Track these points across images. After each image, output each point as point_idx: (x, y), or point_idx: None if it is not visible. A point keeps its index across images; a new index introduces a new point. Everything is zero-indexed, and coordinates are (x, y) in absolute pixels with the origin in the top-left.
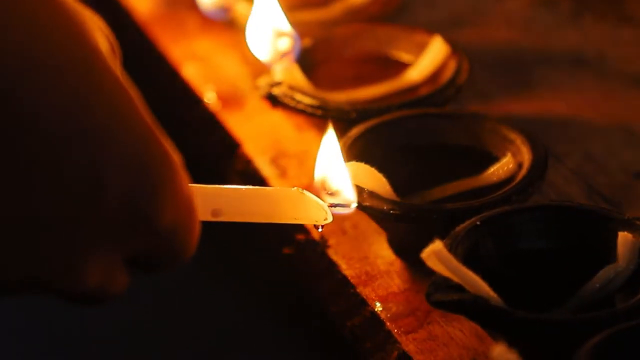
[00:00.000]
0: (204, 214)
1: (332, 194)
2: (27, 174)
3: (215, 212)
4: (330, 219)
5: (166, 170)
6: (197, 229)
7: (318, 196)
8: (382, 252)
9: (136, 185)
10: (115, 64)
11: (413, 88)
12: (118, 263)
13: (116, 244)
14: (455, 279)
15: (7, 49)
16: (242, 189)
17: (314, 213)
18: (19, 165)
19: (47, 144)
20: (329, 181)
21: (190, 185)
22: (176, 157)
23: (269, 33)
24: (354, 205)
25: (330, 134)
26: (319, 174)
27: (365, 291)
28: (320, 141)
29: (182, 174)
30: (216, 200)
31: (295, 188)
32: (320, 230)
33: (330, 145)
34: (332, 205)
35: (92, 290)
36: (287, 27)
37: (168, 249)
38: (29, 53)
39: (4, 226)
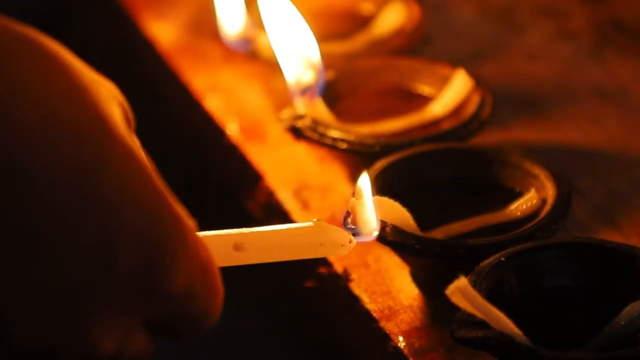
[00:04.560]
0: (226, 259)
1: (354, 224)
2: (37, 246)
3: (237, 257)
4: (354, 240)
5: (177, 237)
6: (217, 295)
7: (339, 225)
8: (405, 287)
9: (147, 253)
10: (128, 132)
11: (436, 122)
12: (135, 328)
13: (130, 310)
14: (480, 315)
15: (18, 124)
16: (262, 230)
17: (336, 237)
18: (30, 237)
19: (58, 216)
20: (356, 212)
21: (208, 233)
22: (189, 223)
23: (297, 63)
24: (375, 234)
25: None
26: (350, 205)
27: (388, 326)
28: (343, 174)
29: (196, 240)
30: (237, 243)
31: (314, 219)
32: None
33: (364, 182)
34: (354, 234)
35: (109, 356)
36: (316, 58)
37: (186, 315)
38: (40, 128)
39: (15, 295)
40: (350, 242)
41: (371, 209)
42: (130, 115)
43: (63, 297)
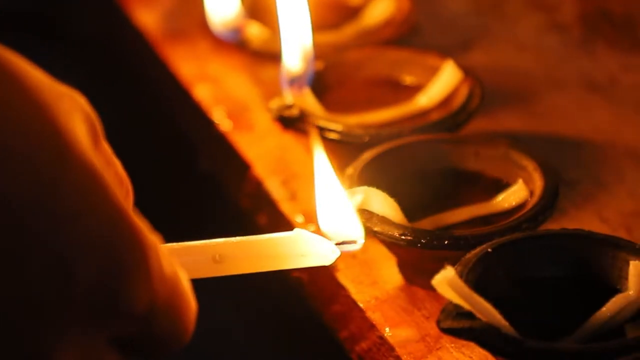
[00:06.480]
0: (205, 270)
1: (337, 233)
2: None
3: (217, 268)
4: (337, 251)
5: (137, 254)
6: (187, 311)
7: (321, 234)
8: (392, 277)
9: (105, 271)
10: (92, 146)
11: (425, 112)
12: (100, 348)
13: (91, 329)
14: (466, 305)
15: None
16: (242, 240)
17: (319, 247)
18: None
19: (15, 232)
20: (333, 220)
21: (186, 244)
22: (151, 238)
23: (293, 52)
24: (360, 242)
25: (322, 160)
26: (322, 213)
27: (374, 316)
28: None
29: (159, 255)
30: (217, 254)
31: (296, 229)
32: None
33: (326, 177)
34: (337, 244)
35: None
36: (307, 49)
37: (154, 334)
38: None
39: None
40: (333, 253)
41: (354, 215)
42: (98, 126)
43: (20, 316)
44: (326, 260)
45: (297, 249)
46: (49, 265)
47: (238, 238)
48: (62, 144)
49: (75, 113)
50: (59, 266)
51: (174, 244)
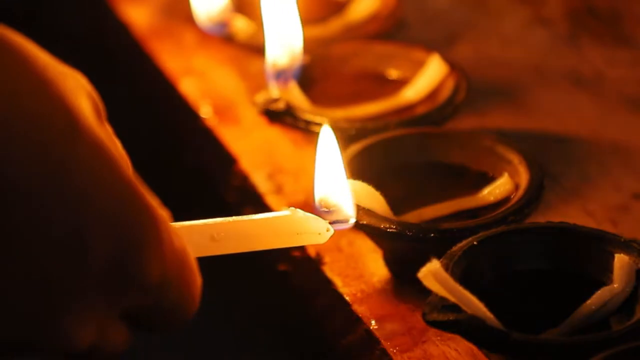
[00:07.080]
0: (202, 249)
1: (330, 210)
2: (8, 239)
3: (214, 247)
4: (332, 229)
5: (150, 227)
6: (194, 285)
7: (315, 213)
8: (378, 270)
9: (119, 245)
10: (98, 123)
11: (410, 106)
12: (112, 321)
13: (106, 303)
14: (452, 298)
15: None
16: (238, 219)
17: (314, 225)
18: (1, 231)
19: (29, 209)
20: (328, 197)
21: (184, 223)
22: (161, 213)
23: (276, 47)
24: (352, 220)
25: (329, 144)
26: (318, 189)
27: (360, 309)
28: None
29: (169, 229)
30: (214, 234)
31: (290, 208)
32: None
33: (329, 158)
34: (331, 222)
35: (86, 349)
36: (298, 44)
37: (163, 307)
38: (8, 124)
39: None
40: (327, 231)
41: (348, 194)
42: (101, 105)
43: (35, 291)
44: (321, 239)
45: (293, 228)
46: (63, 240)
47: (235, 217)
48: (72, 120)
49: (80, 91)
50: (73, 241)
51: (173, 223)
